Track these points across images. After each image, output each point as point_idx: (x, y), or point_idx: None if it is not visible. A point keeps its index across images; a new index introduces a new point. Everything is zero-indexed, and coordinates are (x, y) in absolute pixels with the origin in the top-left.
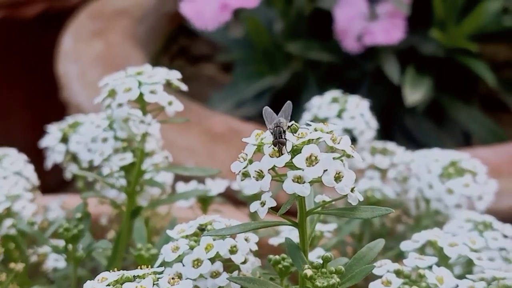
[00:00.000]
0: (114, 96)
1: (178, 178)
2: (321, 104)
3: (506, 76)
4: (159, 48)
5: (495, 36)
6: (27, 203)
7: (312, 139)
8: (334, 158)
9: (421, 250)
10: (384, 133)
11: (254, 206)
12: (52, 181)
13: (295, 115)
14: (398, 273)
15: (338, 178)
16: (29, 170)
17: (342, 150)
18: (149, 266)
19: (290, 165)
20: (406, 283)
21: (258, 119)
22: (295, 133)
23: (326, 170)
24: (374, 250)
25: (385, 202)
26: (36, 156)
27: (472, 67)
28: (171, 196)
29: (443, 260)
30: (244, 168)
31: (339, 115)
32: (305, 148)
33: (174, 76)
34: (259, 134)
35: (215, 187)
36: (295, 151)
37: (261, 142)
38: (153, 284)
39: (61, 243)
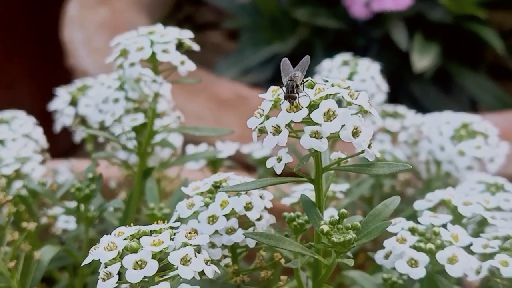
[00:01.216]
0: (126, 56)
1: (187, 141)
2: (332, 67)
3: None
4: (164, 15)
5: (503, 3)
6: (36, 165)
7: (330, 94)
8: (352, 114)
9: (434, 211)
10: (392, 100)
11: (271, 162)
12: (60, 148)
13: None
14: (413, 230)
15: (355, 133)
16: (38, 133)
17: (360, 105)
18: (165, 222)
19: (307, 121)
20: (420, 241)
21: (265, 86)
22: (312, 88)
23: (344, 125)
24: (390, 207)
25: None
26: (43, 124)
27: (480, 34)
28: (182, 158)
29: (457, 220)
30: (260, 123)
31: (349, 78)
32: (323, 103)
33: (186, 35)
34: (275, 90)
35: (226, 149)
36: (313, 106)
37: (278, 98)
38: (170, 238)
39: (71, 205)
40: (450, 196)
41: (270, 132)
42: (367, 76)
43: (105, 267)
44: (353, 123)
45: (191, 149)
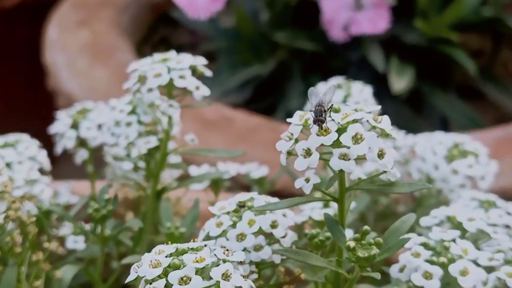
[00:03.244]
0: (143, 81)
1: (186, 162)
2: (326, 90)
3: (480, 65)
4: (141, 37)
5: (473, 26)
6: (45, 187)
7: (357, 119)
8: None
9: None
10: None
11: (299, 182)
12: None
13: (280, 103)
14: (425, 245)
15: (381, 155)
16: (43, 156)
17: (382, 129)
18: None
19: (333, 144)
20: (432, 255)
21: (245, 107)
22: (337, 113)
23: (370, 147)
24: (407, 223)
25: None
26: None
27: (453, 56)
28: (189, 179)
29: (461, 235)
30: (290, 147)
31: (344, 101)
32: (351, 127)
33: (200, 62)
34: (302, 115)
35: (230, 169)
36: (340, 130)
37: (306, 122)
38: (210, 255)
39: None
40: (455, 212)
41: (301, 154)
42: (360, 98)
43: (150, 284)
44: (378, 146)
45: (194, 170)
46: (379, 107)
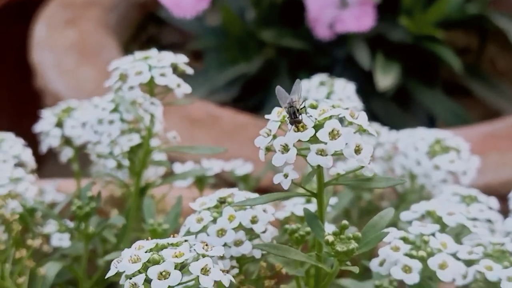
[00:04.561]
0: (125, 80)
1: (170, 159)
2: (310, 87)
3: (466, 61)
4: (129, 36)
5: (459, 24)
6: (29, 185)
7: (333, 115)
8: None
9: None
10: None
11: (278, 178)
12: None
13: (267, 101)
14: (404, 239)
15: (358, 150)
16: (28, 154)
17: (359, 125)
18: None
19: (311, 140)
20: (412, 249)
21: (232, 105)
22: (315, 109)
23: (347, 143)
24: (385, 218)
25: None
26: None
27: (438, 53)
28: (173, 176)
29: (441, 229)
30: (268, 142)
31: (327, 98)
32: (328, 123)
33: (181, 60)
34: (280, 111)
35: (214, 166)
36: (317, 126)
37: (283, 119)
38: (190, 250)
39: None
40: (435, 207)
41: (279, 150)
42: (343, 95)
43: (130, 279)
44: (355, 141)
45: (178, 167)
46: (358, 103)
